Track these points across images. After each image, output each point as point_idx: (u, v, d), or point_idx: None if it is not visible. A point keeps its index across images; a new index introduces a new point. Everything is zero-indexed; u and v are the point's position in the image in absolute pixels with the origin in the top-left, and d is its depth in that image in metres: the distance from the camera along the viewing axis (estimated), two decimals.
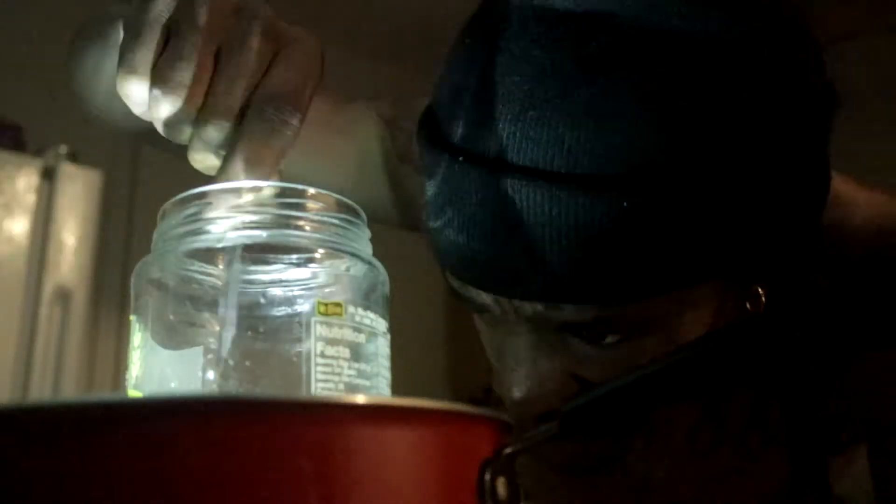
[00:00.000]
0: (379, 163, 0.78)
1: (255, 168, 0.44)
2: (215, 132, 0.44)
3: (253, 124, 0.44)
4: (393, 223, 0.80)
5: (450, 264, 0.55)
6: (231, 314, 0.41)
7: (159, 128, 0.45)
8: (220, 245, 0.41)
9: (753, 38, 0.50)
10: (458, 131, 0.52)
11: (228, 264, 0.41)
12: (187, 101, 0.44)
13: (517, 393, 0.55)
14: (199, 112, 0.44)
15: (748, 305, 0.56)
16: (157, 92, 0.44)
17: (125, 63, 0.44)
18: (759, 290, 0.56)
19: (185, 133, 0.45)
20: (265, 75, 0.45)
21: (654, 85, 0.48)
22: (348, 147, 0.79)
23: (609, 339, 0.53)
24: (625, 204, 0.47)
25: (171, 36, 0.45)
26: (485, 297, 0.54)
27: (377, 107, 0.79)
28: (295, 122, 0.45)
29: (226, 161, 0.44)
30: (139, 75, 0.44)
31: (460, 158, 0.51)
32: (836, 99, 0.54)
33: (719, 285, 0.53)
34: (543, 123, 0.48)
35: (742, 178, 0.49)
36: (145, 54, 0.44)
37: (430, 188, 0.54)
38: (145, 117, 0.46)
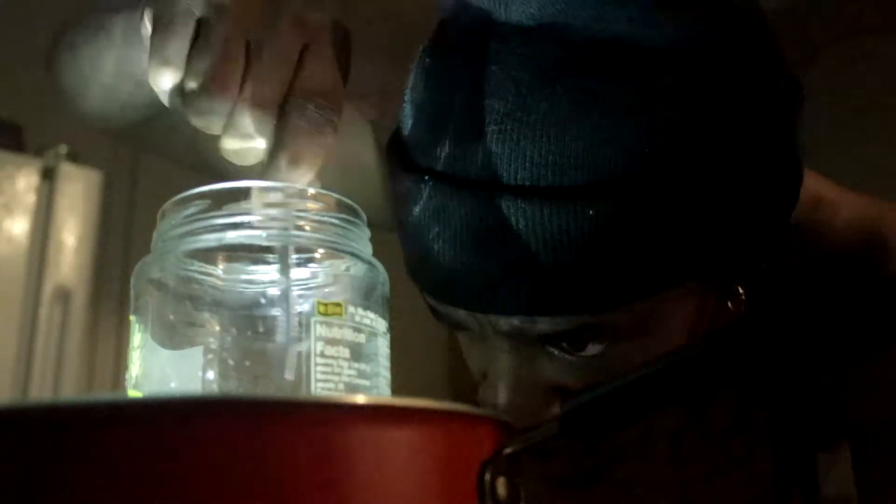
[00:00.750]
0: (367, 164, 0.78)
1: (300, 166, 0.44)
2: (250, 123, 0.44)
3: (296, 122, 0.44)
4: (385, 224, 0.80)
5: (425, 283, 0.54)
6: (290, 318, 0.41)
7: (192, 119, 0.45)
8: (264, 243, 0.42)
9: (707, 40, 0.50)
10: (429, 153, 0.52)
11: (282, 268, 0.41)
12: (222, 92, 0.43)
13: (501, 406, 0.54)
14: (233, 104, 0.44)
15: (729, 305, 0.56)
16: (191, 84, 0.44)
17: (157, 54, 0.44)
18: (739, 289, 0.56)
19: (218, 124, 0.45)
20: (300, 69, 0.45)
21: (610, 94, 0.48)
22: (336, 149, 0.78)
23: (590, 349, 0.53)
24: (590, 213, 0.47)
25: (200, 27, 0.44)
26: (461, 315, 0.54)
27: (361, 107, 0.79)
28: (336, 119, 0.45)
29: (271, 159, 0.44)
30: (173, 67, 0.44)
31: (426, 178, 0.51)
32: (801, 92, 0.54)
33: (697, 288, 0.53)
34: (505, 138, 0.49)
35: (706, 180, 0.49)
36: (179, 46, 0.44)
37: (407, 212, 0.54)
38: (176, 108, 0.46)
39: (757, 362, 0.58)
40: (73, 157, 2.18)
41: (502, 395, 0.54)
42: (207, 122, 0.45)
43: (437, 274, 0.52)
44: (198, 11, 0.45)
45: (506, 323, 0.52)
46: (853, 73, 2.63)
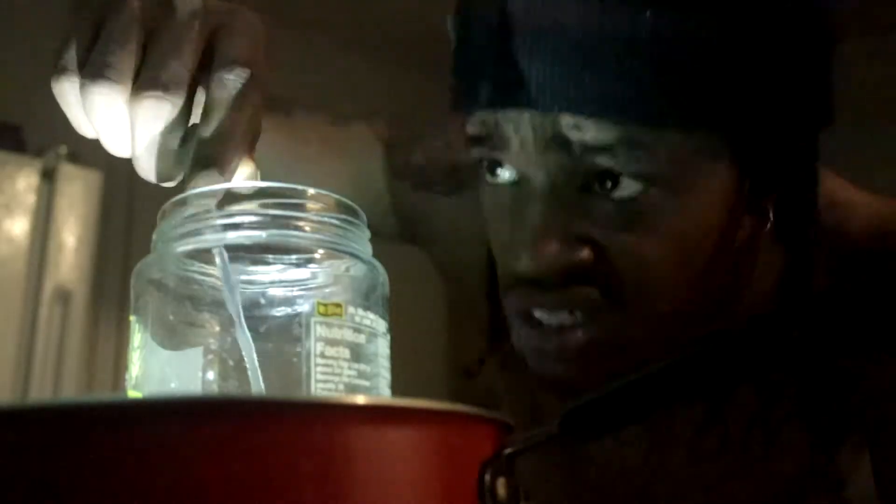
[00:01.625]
0: (376, 181, 0.78)
1: (230, 137, 0.43)
2: (151, 112, 0.43)
3: (216, 92, 0.44)
4: (391, 239, 0.80)
5: (481, 92, 0.55)
6: (238, 315, 0.41)
7: (104, 143, 0.45)
8: (209, 246, 0.41)
9: None
10: None
11: (221, 267, 0.41)
12: (112, 80, 0.43)
13: (524, 252, 0.55)
14: (131, 94, 0.43)
15: (757, 224, 0.57)
16: (86, 81, 0.43)
17: (56, 65, 0.44)
18: (768, 207, 0.57)
19: (126, 145, 0.44)
20: (216, 52, 0.45)
21: None
22: (346, 166, 0.79)
23: (625, 188, 0.53)
24: (647, 14, 0.50)
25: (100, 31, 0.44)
26: (505, 128, 0.55)
27: (374, 126, 0.80)
28: (254, 92, 0.45)
29: (199, 145, 0.43)
30: (69, 73, 0.44)
31: None
32: (834, 37, 0.55)
33: (729, 172, 0.54)
34: None
35: (751, 32, 0.51)
36: (74, 53, 0.44)
37: (472, 27, 0.56)
38: (85, 133, 0.46)
39: (762, 362, 0.58)
40: (73, 158, 2.19)
41: (528, 240, 0.55)
42: (113, 141, 0.44)
43: (495, 76, 0.54)
44: (98, 21, 0.44)
45: (550, 130, 0.53)
46: (865, 71, 2.63)
